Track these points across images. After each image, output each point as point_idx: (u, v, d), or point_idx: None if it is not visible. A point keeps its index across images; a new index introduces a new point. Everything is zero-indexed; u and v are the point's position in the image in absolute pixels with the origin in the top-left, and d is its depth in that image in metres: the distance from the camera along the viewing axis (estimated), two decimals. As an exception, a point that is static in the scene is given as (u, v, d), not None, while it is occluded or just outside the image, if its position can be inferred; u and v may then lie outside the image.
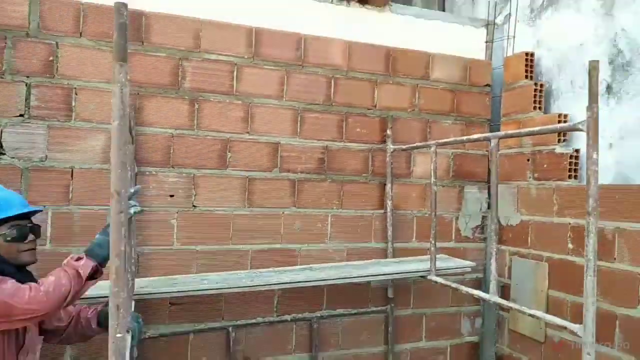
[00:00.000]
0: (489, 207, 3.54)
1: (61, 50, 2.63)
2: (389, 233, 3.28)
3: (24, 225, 1.93)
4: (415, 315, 3.42)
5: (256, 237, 3.01)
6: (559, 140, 3.09)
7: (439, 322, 3.48)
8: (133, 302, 2.19)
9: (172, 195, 2.84)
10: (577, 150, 3.02)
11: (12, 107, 2.54)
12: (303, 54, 3.13)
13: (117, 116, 1.14)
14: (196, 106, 2.90)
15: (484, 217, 3.61)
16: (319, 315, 3.14)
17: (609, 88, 2.92)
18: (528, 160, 3.30)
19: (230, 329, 2.92)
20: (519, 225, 3.35)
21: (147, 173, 2.79)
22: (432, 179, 2.80)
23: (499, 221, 3.46)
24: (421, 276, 2.93)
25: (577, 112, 3.03)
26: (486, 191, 3.60)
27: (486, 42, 3.71)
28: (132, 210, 1.90)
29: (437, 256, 2.87)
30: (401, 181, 3.38)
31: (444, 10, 4.56)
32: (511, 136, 2.71)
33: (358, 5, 3.32)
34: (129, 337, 1.76)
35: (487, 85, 3.63)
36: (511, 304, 2.36)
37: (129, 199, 1.80)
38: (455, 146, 3.51)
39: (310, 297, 3.11)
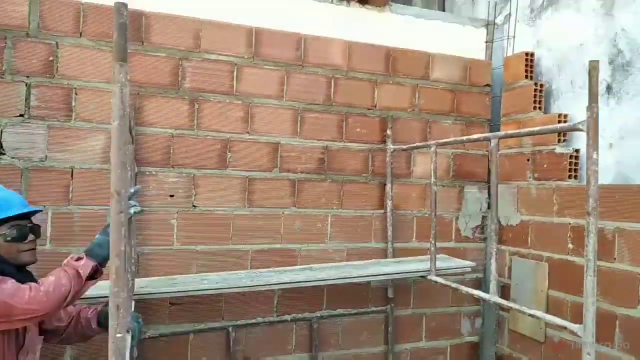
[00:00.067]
0: (489, 207, 3.54)
1: (61, 50, 2.63)
2: (389, 233, 3.28)
3: (24, 225, 1.93)
4: (415, 315, 3.42)
5: (256, 237, 3.01)
6: (559, 140, 3.09)
7: (439, 322, 3.48)
8: (133, 302, 2.19)
9: (172, 195, 2.84)
10: (577, 150, 3.02)
11: (12, 107, 2.54)
12: (303, 54, 3.13)
13: (117, 116, 1.14)
14: (196, 106, 2.90)
15: (484, 217, 3.61)
16: (319, 315, 3.14)
17: (609, 88, 2.92)
18: (528, 160, 3.30)
19: (230, 329, 2.92)
20: (519, 225, 3.35)
21: (147, 173, 2.79)
22: (432, 179, 2.80)
23: (499, 221, 3.46)
24: (421, 276, 2.93)
25: (577, 112, 3.03)
26: (486, 191, 3.60)
27: (486, 42, 3.71)
28: (132, 210, 1.90)
29: (437, 256, 2.87)
30: (401, 181, 3.38)
31: (444, 10, 4.56)
32: (511, 136, 2.71)
33: (358, 5, 3.32)
34: (129, 337, 1.77)
35: (487, 85, 3.63)
36: (511, 304, 2.36)
37: (129, 199, 1.80)
38: (455, 146, 3.51)
39: (310, 297, 3.11)
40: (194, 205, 2.89)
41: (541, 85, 3.31)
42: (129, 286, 1.84)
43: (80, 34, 2.66)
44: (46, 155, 2.60)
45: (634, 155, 2.75)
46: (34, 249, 1.96)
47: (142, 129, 2.78)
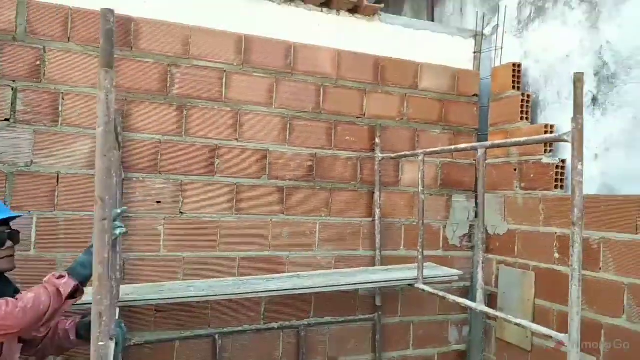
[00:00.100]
0: (476, 216, 3.57)
1: (48, 55, 2.61)
2: (377, 241, 3.28)
3: (2, 232, 1.90)
4: (403, 323, 3.42)
5: (244, 244, 3.00)
6: (545, 151, 3.12)
7: (427, 330, 3.48)
8: (118, 309, 2.16)
9: (159, 202, 2.82)
10: (563, 161, 3.05)
11: (-2, 111, 2.52)
12: (293, 62, 3.14)
13: (102, 122, 1.13)
14: (185, 112, 2.89)
15: (471, 226, 3.62)
16: (306, 323, 3.13)
17: (594, 100, 2.96)
18: (515, 170, 3.33)
19: (216, 336, 2.90)
20: (506, 234, 3.37)
21: (134, 179, 2.77)
22: (420, 188, 2.81)
23: (486, 230, 3.49)
24: (409, 284, 2.93)
25: (564, 123, 3.07)
26: (474, 200, 3.62)
27: (474, 52, 3.75)
28: (117, 232, 1.89)
29: (425, 264, 2.88)
30: (389, 189, 3.39)
31: (433, 21, 4.61)
32: (498, 146, 2.72)
33: (348, 15, 3.34)
34: (112, 345, 1.75)
35: (475, 95, 3.66)
36: (497, 313, 2.37)
37: (114, 219, 1.78)
38: (443, 155, 3.53)
39: (298, 305, 3.10)
40: (181, 212, 2.87)
41: (528, 96, 3.34)
42: (112, 293, 1.82)
43: (68, 39, 2.65)
44: (32, 160, 2.58)
45: (618, 166, 2.79)
46: (12, 255, 1.93)
47: (129, 134, 2.76)
